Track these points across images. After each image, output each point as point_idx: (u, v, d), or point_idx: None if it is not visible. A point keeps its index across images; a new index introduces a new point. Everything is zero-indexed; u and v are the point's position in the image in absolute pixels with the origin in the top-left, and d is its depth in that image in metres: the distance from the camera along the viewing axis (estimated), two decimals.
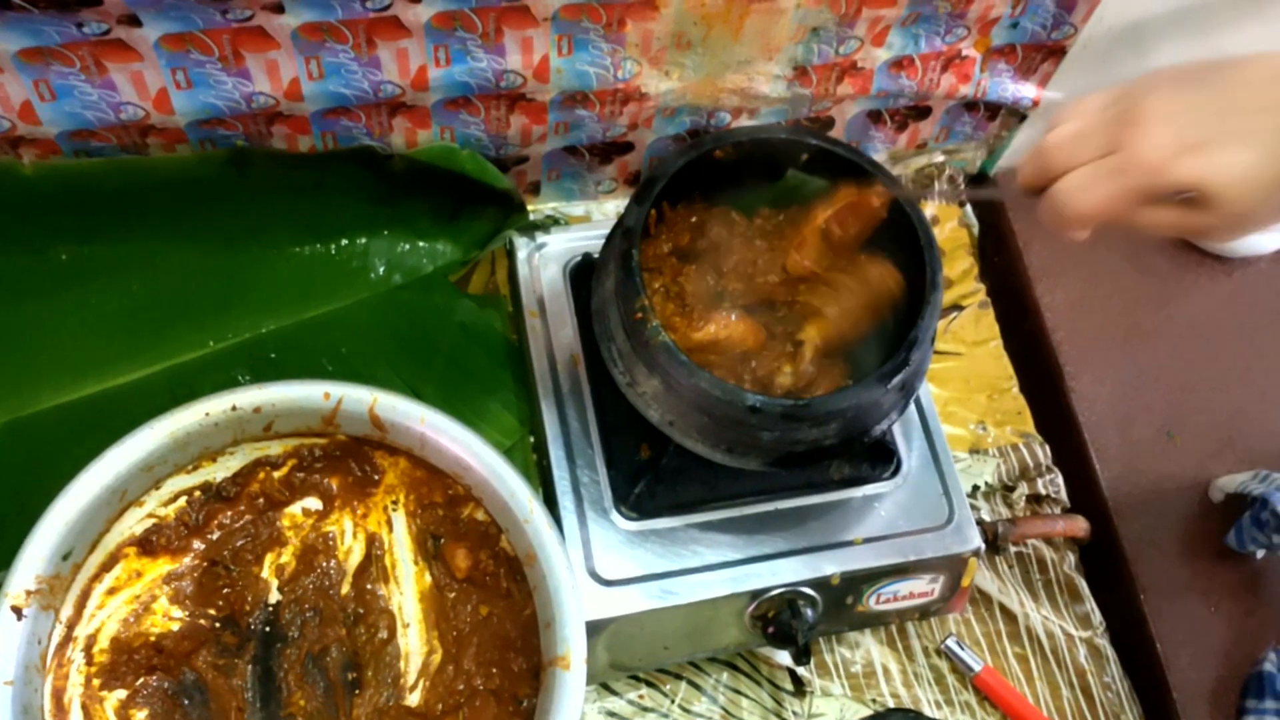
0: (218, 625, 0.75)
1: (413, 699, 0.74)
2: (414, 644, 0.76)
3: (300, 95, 0.77)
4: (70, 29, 0.68)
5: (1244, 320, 1.01)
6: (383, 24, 0.73)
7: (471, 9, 0.73)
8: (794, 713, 0.84)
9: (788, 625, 0.77)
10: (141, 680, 0.73)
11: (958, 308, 1.01)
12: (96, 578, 0.73)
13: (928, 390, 0.88)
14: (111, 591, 0.74)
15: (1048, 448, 0.95)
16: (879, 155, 1.00)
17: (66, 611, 0.71)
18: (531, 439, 0.87)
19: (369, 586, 0.77)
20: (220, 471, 0.77)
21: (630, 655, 0.80)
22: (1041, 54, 0.91)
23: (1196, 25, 0.90)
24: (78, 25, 0.67)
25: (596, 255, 0.81)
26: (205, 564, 0.76)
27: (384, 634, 0.76)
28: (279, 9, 0.69)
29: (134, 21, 0.68)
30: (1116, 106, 0.52)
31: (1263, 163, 0.48)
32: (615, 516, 0.79)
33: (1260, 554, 0.91)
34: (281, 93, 0.76)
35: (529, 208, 0.94)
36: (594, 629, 0.74)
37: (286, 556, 0.78)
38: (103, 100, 0.74)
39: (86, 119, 0.75)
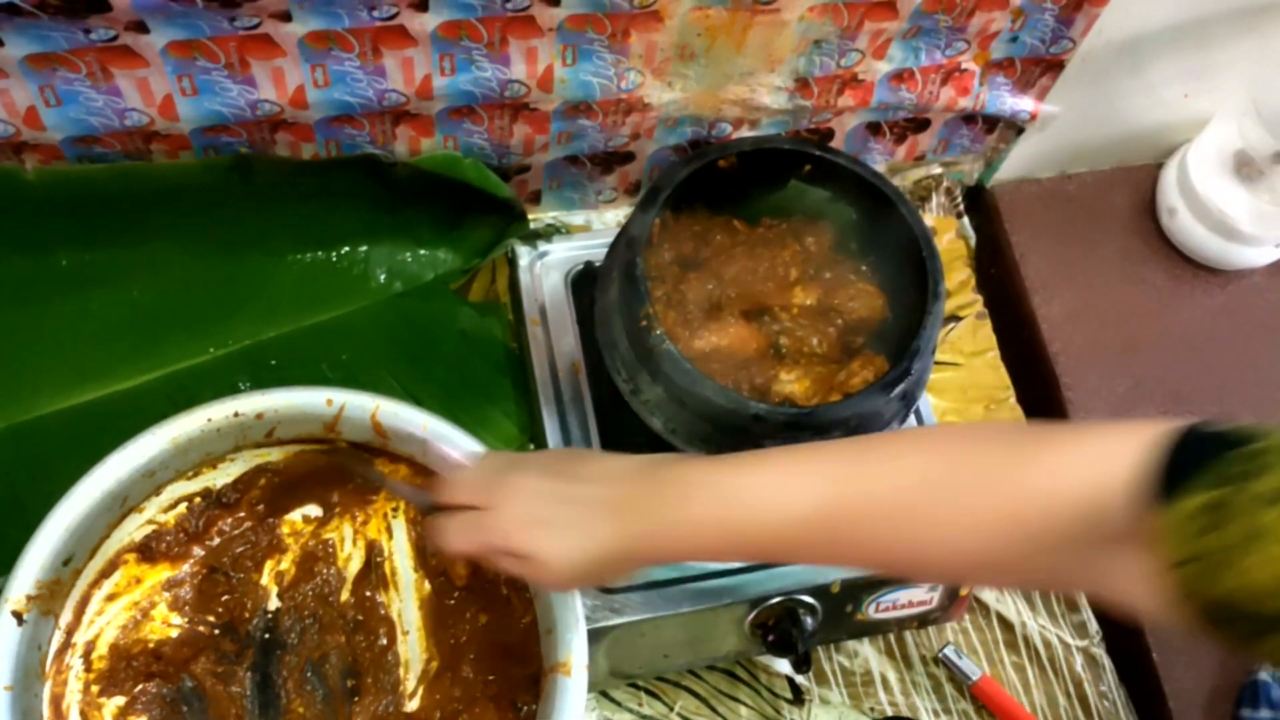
0: (217, 632, 0.75)
1: (412, 706, 0.74)
2: (413, 651, 0.76)
3: (305, 103, 0.77)
4: (77, 35, 0.68)
5: (1238, 332, 1.02)
6: (389, 33, 0.73)
7: (477, 19, 0.73)
8: None
9: (788, 633, 0.77)
10: (140, 687, 0.73)
11: (955, 318, 1.01)
12: (96, 584, 0.73)
13: (927, 400, 0.88)
14: (111, 598, 0.73)
15: None
16: (877, 167, 1.00)
17: (66, 617, 0.71)
18: (532, 447, 0.87)
19: (369, 594, 0.77)
20: (221, 478, 0.77)
21: (630, 663, 0.80)
22: (1040, 68, 0.92)
23: (1194, 40, 0.91)
24: (85, 31, 0.67)
25: (598, 264, 0.82)
26: (205, 571, 0.76)
27: (383, 641, 0.76)
28: (286, 17, 0.70)
29: (141, 28, 0.68)
30: (497, 475, 0.65)
31: (573, 545, 0.61)
32: None
33: None
34: (286, 100, 0.77)
35: (530, 216, 0.95)
36: (594, 636, 0.74)
37: (286, 563, 0.78)
38: (108, 106, 0.74)
39: (91, 125, 0.75)
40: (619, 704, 0.84)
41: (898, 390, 0.70)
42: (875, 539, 0.56)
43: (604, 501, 0.61)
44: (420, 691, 0.75)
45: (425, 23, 0.73)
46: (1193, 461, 0.47)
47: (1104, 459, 0.50)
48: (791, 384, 0.73)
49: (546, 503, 0.62)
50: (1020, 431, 0.59)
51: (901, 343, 0.72)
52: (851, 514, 0.56)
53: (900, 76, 0.88)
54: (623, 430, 0.81)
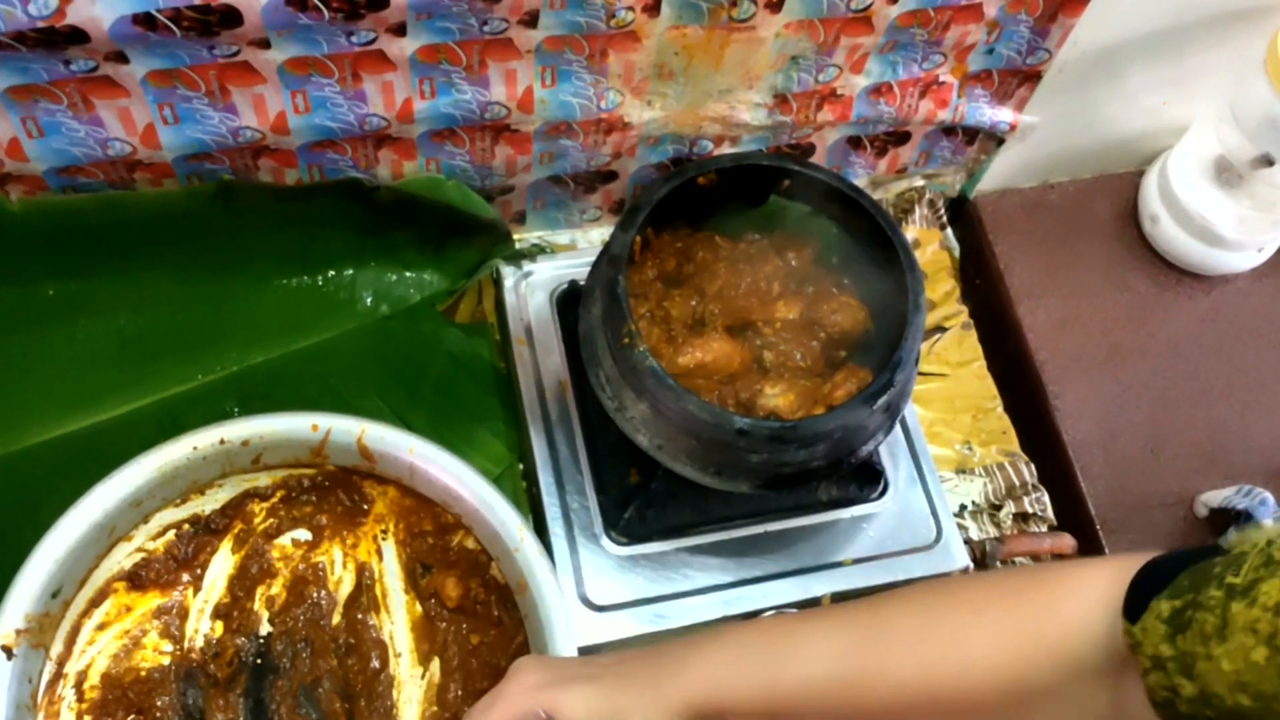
0: (209, 658, 0.75)
1: None
2: (405, 673, 0.76)
3: (286, 129, 0.78)
4: (58, 66, 0.68)
5: (1223, 337, 1.02)
6: (368, 58, 0.73)
7: (455, 42, 0.74)
8: None
9: None
10: (133, 716, 0.73)
11: (941, 329, 1.01)
12: (86, 614, 0.73)
13: (913, 411, 0.89)
14: (102, 627, 0.73)
15: (1033, 466, 0.96)
16: (859, 180, 1.01)
17: (57, 649, 0.71)
18: (520, 466, 0.87)
19: (360, 616, 0.77)
20: (209, 504, 0.77)
21: None
22: (1017, 79, 0.92)
23: (1170, 48, 0.92)
24: (65, 62, 0.68)
25: (583, 283, 0.82)
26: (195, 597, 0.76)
27: (375, 664, 0.76)
28: (265, 44, 0.70)
29: (121, 58, 0.68)
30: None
31: (592, 695, 0.60)
32: (605, 542, 0.79)
33: None
34: (268, 126, 0.77)
35: (515, 237, 0.95)
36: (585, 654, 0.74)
37: (277, 588, 0.78)
38: (90, 136, 0.74)
39: (74, 155, 0.75)
40: None
41: (881, 402, 0.70)
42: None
43: (613, 667, 0.63)
44: (413, 714, 0.75)
45: (404, 47, 0.73)
46: (1159, 580, 0.49)
47: (1089, 597, 0.52)
48: (776, 398, 0.73)
49: (555, 669, 0.63)
50: (1004, 589, 0.60)
51: (885, 355, 0.72)
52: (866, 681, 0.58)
53: (879, 90, 0.89)
54: (610, 448, 0.81)
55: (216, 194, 0.82)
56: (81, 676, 0.72)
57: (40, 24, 0.63)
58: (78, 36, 0.65)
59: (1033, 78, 0.92)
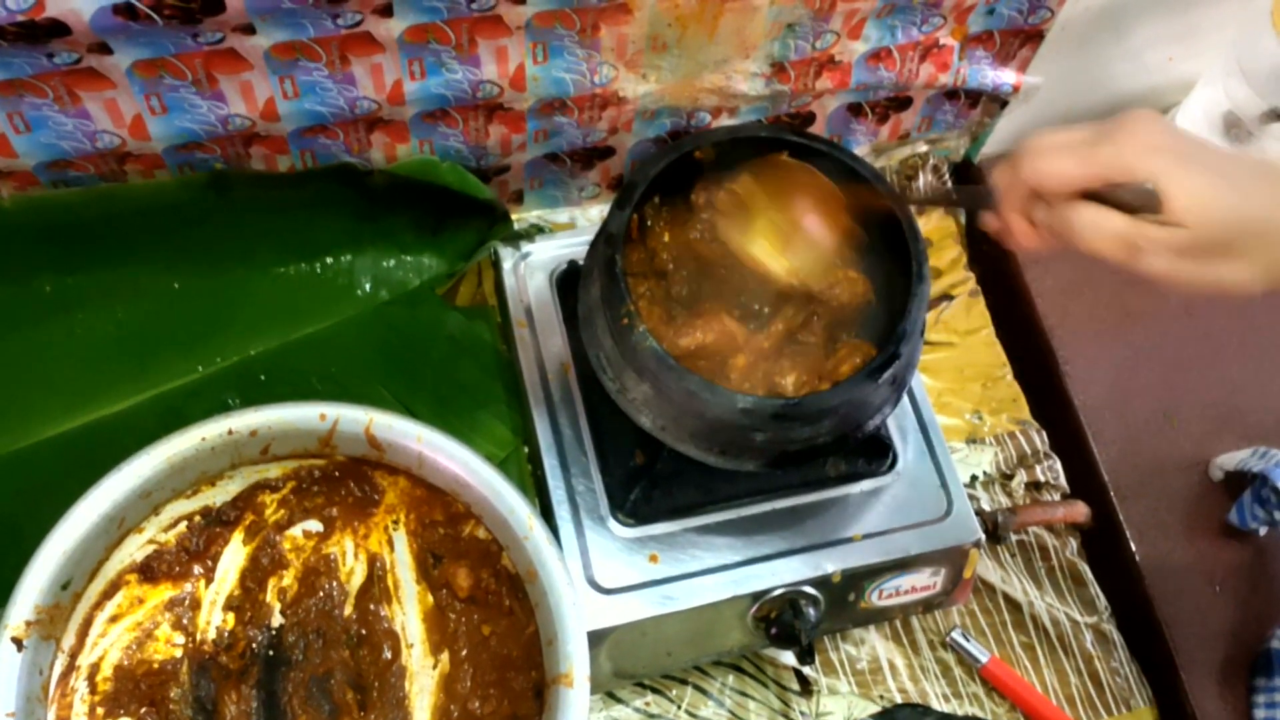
0: (221, 650, 0.75)
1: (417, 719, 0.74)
2: (418, 664, 0.76)
3: (276, 115, 0.77)
4: (41, 60, 0.67)
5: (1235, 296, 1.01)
6: (355, 40, 0.72)
7: (444, 21, 0.73)
8: (801, 713, 0.84)
9: (791, 625, 0.76)
10: (145, 708, 0.73)
11: (948, 297, 1.00)
12: (98, 606, 0.73)
13: (921, 382, 0.88)
14: (114, 619, 0.73)
15: (1045, 434, 0.95)
16: (861, 148, 0.99)
17: (68, 640, 0.71)
18: (525, 449, 0.87)
19: (372, 607, 0.77)
20: (220, 495, 0.77)
21: (634, 663, 0.80)
22: (1019, 39, 0.91)
23: (1173, 2, 0.90)
24: (48, 55, 0.67)
25: (582, 262, 0.81)
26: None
27: (388, 655, 0.76)
28: (250, 30, 0.69)
29: (104, 49, 0.68)
30: (1106, 123, 0.54)
31: (1212, 184, 0.50)
32: (612, 524, 0.79)
33: (1263, 531, 0.90)
34: (257, 113, 0.76)
35: (513, 217, 0.94)
36: (595, 639, 0.73)
37: (288, 579, 0.77)
38: (78, 130, 0.74)
39: (63, 149, 0.75)
40: (624, 703, 0.83)
41: (886, 375, 0.69)
42: None
43: (1257, 162, 0.52)
44: (425, 705, 0.75)
45: (391, 28, 0.72)
46: None
47: None
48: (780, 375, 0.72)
49: (1183, 138, 0.52)
50: None
51: (889, 327, 0.71)
52: None
53: (878, 56, 0.87)
54: (614, 430, 0.81)
55: (209, 184, 0.81)
56: (94, 668, 0.72)
57: (20, 17, 0.63)
58: (59, 29, 0.64)
59: (1035, 37, 0.90)
